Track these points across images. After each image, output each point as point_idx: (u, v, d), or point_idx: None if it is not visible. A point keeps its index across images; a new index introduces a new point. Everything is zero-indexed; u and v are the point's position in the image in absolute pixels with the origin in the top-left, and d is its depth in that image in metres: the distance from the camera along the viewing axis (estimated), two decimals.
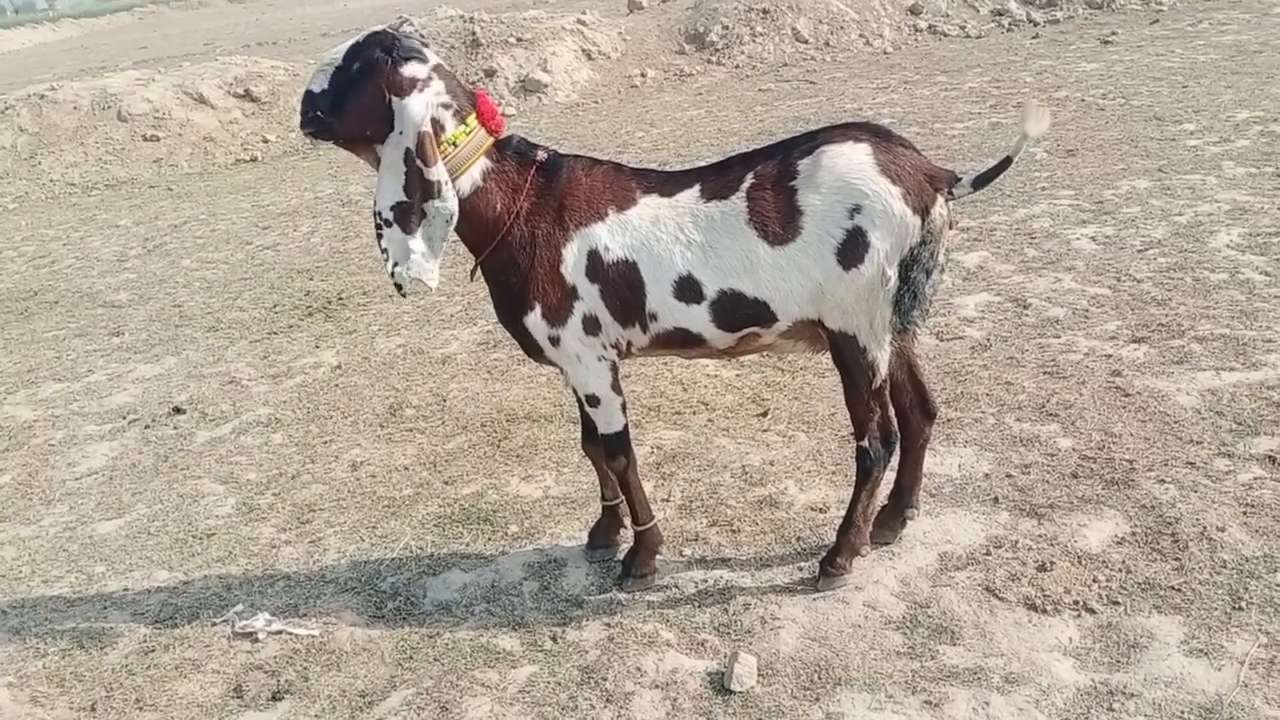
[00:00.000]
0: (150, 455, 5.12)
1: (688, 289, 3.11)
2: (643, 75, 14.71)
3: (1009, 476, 3.88)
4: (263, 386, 5.81)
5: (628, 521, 3.66)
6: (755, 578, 3.51)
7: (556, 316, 3.20)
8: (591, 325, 3.21)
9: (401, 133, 3.03)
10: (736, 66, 14.67)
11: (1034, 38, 13.82)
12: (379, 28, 3.12)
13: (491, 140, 3.21)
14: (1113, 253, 5.92)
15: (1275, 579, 3.14)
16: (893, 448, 3.33)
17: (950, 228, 3.11)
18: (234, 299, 7.48)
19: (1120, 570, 3.28)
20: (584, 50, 15.16)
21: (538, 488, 4.31)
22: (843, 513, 3.45)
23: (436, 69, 3.09)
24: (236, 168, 13.02)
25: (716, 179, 3.16)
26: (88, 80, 15.56)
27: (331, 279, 7.62)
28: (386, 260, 3.16)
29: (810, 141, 3.09)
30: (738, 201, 3.08)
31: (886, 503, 3.59)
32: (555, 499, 4.20)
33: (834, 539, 3.43)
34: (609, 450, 3.46)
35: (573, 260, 3.17)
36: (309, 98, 3.10)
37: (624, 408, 3.39)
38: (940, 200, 3.03)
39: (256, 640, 3.53)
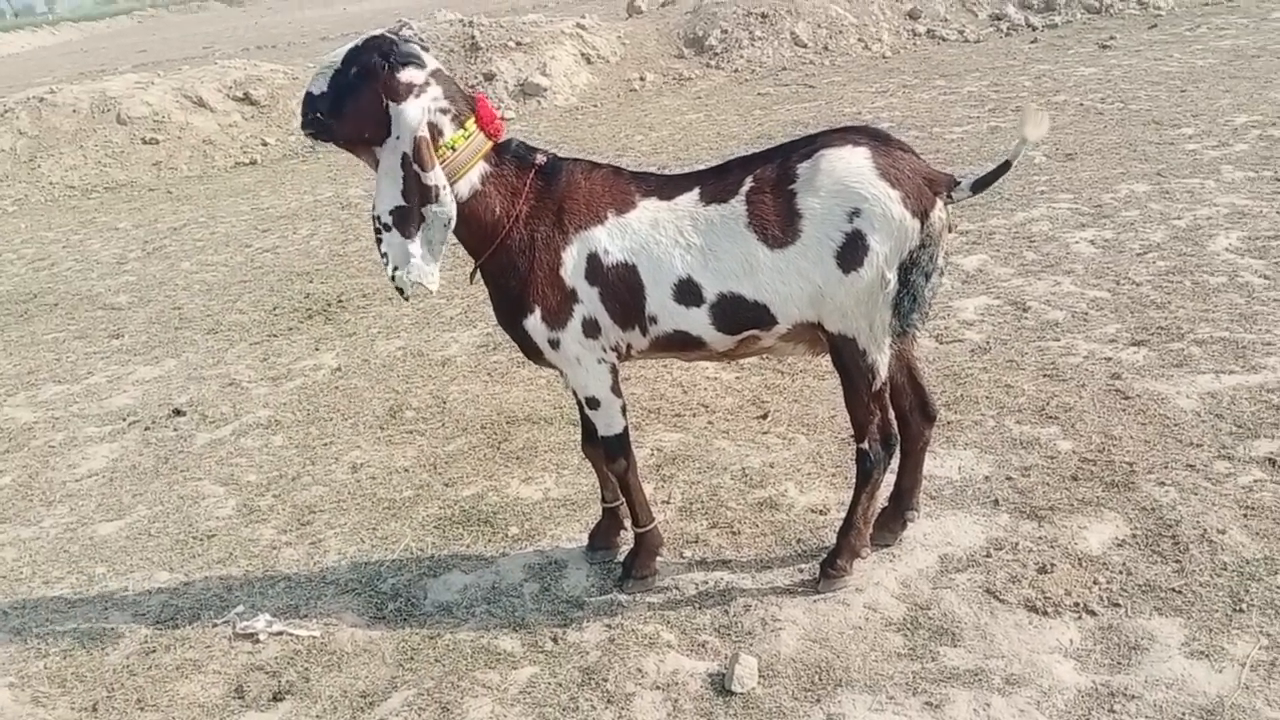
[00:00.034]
0: (150, 457, 5.13)
1: (687, 292, 3.12)
2: (642, 79, 14.73)
3: (1009, 479, 3.89)
4: (263, 389, 5.81)
5: (628, 523, 3.66)
6: (756, 579, 3.51)
7: (556, 319, 3.21)
8: (591, 328, 3.21)
9: (398, 138, 3.04)
10: (735, 70, 14.69)
11: (1032, 42, 13.85)
12: (377, 32, 3.13)
13: (490, 144, 3.21)
14: (1112, 256, 5.93)
15: (1276, 581, 3.14)
16: (893, 450, 3.33)
17: (949, 231, 3.12)
18: (234, 301, 7.48)
19: (1121, 572, 3.28)
20: (583, 54, 15.19)
21: (538, 489, 4.31)
22: (843, 515, 3.46)
23: (434, 74, 3.10)
24: (236, 171, 13.04)
25: (716, 182, 3.17)
26: (87, 83, 15.58)
27: (331, 282, 7.62)
28: (386, 265, 3.17)
29: (809, 145, 3.10)
30: (737, 205, 3.09)
31: (887, 505, 3.60)
32: (555, 501, 4.20)
33: (834, 541, 3.44)
34: (609, 452, 3.46)
35: (572, 263, 3.18)
36: (309, 99, 3.11)
37: (624, 410, 3.40)
38: (939, 204, 3.03)
39: (257, 641, 3.53)
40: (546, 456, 4.57)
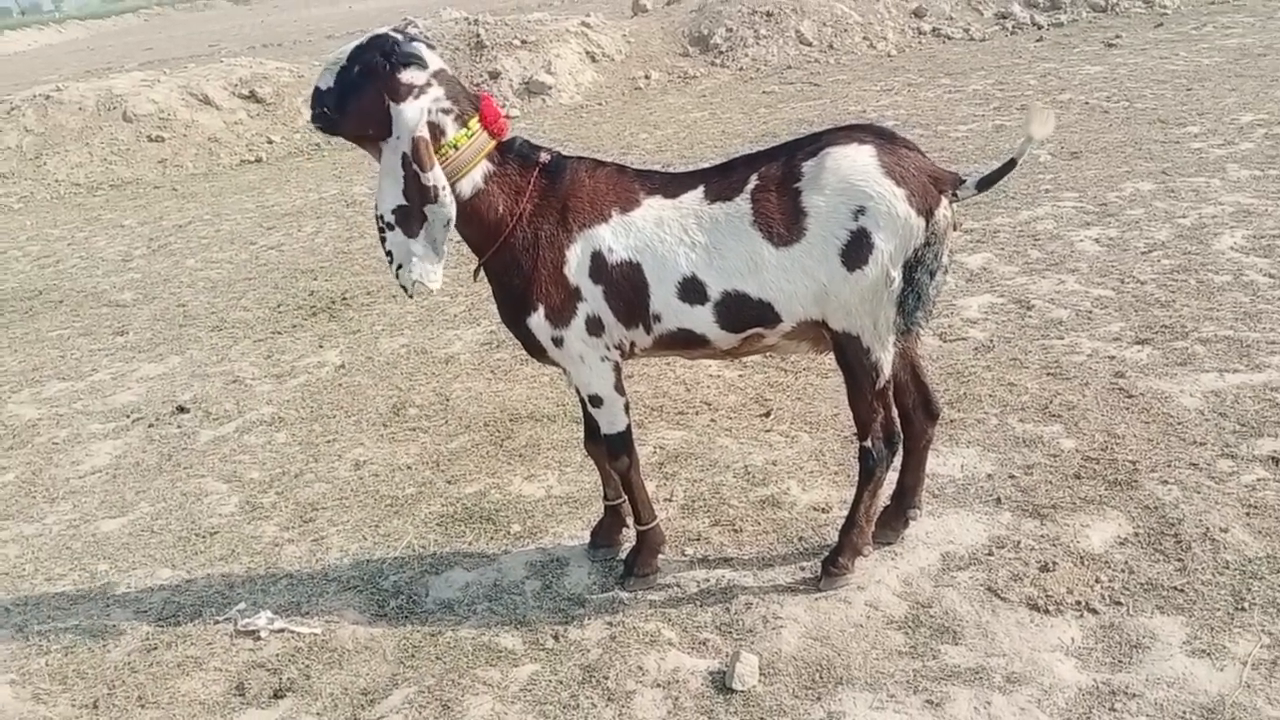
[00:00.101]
0: (154, 454, 5.13)
1: (692, 290, 3.12)
2: (646, 77, 14.72)
3: (1012, 477, 3.88)
4: (266, 386, 5.82)
5: (630, 521, 3.66)
6: (757, 577, 3.51)
7: (560, 317, 3.20)
8: (595, 326, 3.21)
9: (399, 138, 3.04)
10: (740, 69, 14.69)
11: (1038, 41, 13.82)
12: (382, 30, 3.13)
13: (494, 143, 3.21)
14: (1116, 255, 5.92)
15: (1278, 580, 3.13)
16: (895, 448, 3.33)
17: (954, 229, 3.11)
18: (238, 299, 7.49)
19: (1123, 571, 3.28)
20: (588, 52, 15.19)
21: (540, 487, 4.31)
22: (845, 513, 3.45)
23: (437, 74, 3.10)
24: (241, 168, 13.05)
25: (720, 180, 3.16)
26: (93, 81, 15.61)
27: (335, 279, 7.63)
28: (391, 263, 3.18)
29: (814, 143, 3.09)
30: (742, 203, 3.08)
31: (889, 503, 3.59)
32: (558, 498, 4.20)
33: (836, 539, 3.44)
34: (612, 450, 3.46)
35: (576, 261, 3.18)
36: (317, 94, 3.13)
37: (627, 408, 3.40)
38: (944, 202, 3.03)
39: (259, 638, 3.53)
40: (549, 454, 4.57)
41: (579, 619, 3.42)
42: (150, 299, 7.79)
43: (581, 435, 3.73)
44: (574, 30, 15.33)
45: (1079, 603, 3.16)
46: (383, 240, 3.17)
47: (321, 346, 6.30)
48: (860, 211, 2.96)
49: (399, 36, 3.08)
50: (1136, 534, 3.45)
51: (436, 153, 3.08)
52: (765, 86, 13.35)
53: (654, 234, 3.14)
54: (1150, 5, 14.78)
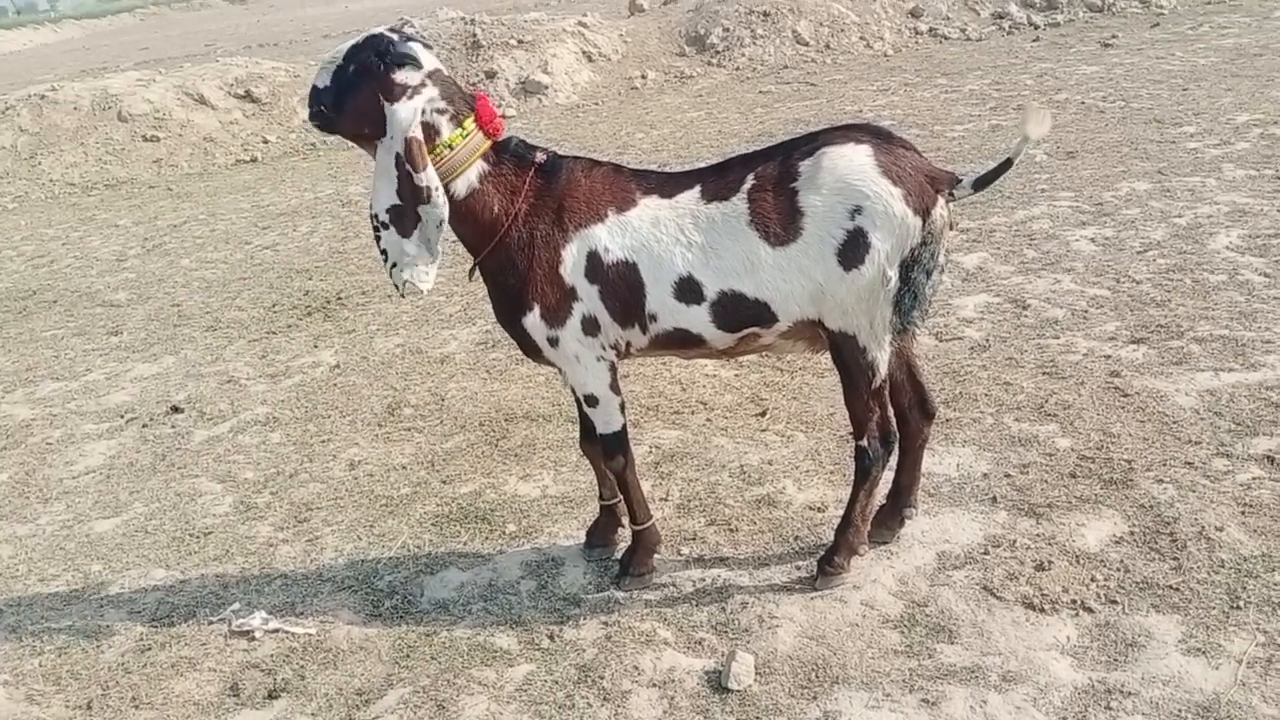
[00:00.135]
0: (148, 454, 5.12)
1: (688, 290, 3.11)
2: (643, 77, 14.72)
3: (1007, 476, 3.88)
4: (261, 386, 5.81)
5: (626, 521, 3.65)
6: (753, 577, 3.50)
7: (555, 317, 3.20)
8: (590, 326, 3.21)
9: (392, 137, 3.04)
10: (737, 69, 14.69)
11: (1034, 41, 13.83)
12: (378, 30, 3.13)
13: (489, 143, 3.20)
14: (1112, 254, 5.92)
15: (1273, 578, 3.13)
16: (891, 447, 3.33)
17: (950, 229, 3.11)
18: (233, 298, 7.48)
19: (1118, 569, 3.27)
20: (584, 52, 15.18)
21: (535, 487, 4.30)
22: (841, 512, 3.45)
23: (432, 74, 3.09)
24: (236, 168, 13.03)
25: (717, 180, 3.16)
26: (88, 81, 15.58)
27: (330, 279, 7.62)
28: (386, 261, 3.18)
29: (811, 143, 3.09)
30: (738, 203, 3.08)
31: (885, 502, 3.59)
32: (553, 498, 4.19)
33: (832, 538, 3.43)
34: (607, 450, 3.45)
35: (572, 261, 3.17)
36: (314, 92, 3.14)
37: (622, 407, 3.39)
38: (941, 201, 3.03)
39: (253, 638, 3.52)
40: (545, 454, 4.56)
41: (574, 619, 3.41)
42: (145, 299, 7.78)
43: (577, 435, 3.73)
44: (570, 30, 15.32)
45: (1074, 601, 3.16)
46: (377, 239, 3.17)
47: (316, 346, 6.29)
48: (857, 211, 2.96)
49: (394, 36, 3.08)
50: (1132, 533, 3.45)
51: (431, 153, 3.08)
52: (762, 86, 13.35)
53: (650, 234, 3.13)
54: (1147, 5, 14.80)
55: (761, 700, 2.94)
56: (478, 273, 3.34)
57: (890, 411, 3.32)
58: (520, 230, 3.19)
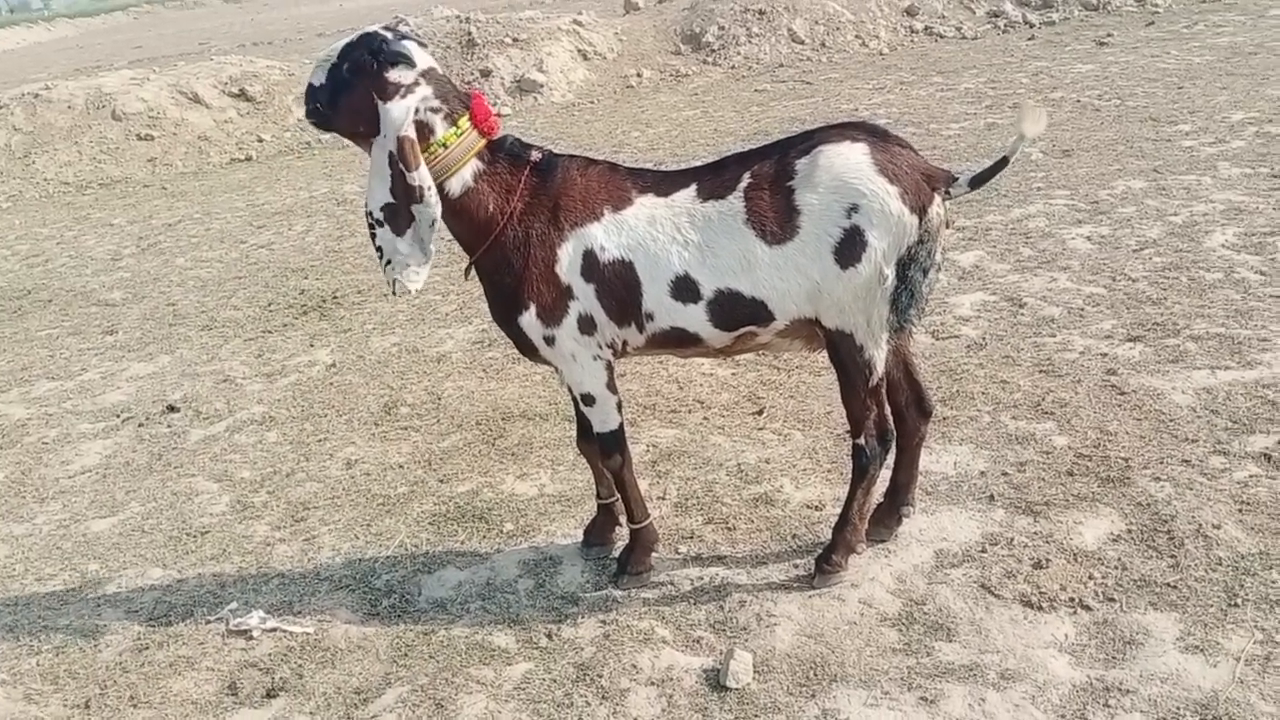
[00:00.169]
0: (144, 453, 5.11)
1: (685, 288, 3.11)
2: (639, 76, 14.71)
3: (1004, 474, 3.88)
4: (257, 385, 5.80)
5: (623, 519, 3.65)
6: (751, 575, 3.50)
7: (551, 316, 3.20)
8: (587, 325, 3.20)
9: (386, 136, 3.04)
10: (733, 67, 14.68)
11: (1030, 39, 13.84)
12: (372, 28, 3.13)
13: (484, 142, 3.20)
14: (1108, 252, 5.93)
15: (1270, 576, 3.14)
16: (889, 446, 3.33)
17: (947, 227, 3.11)
18: (228, 297, 7.46)
19: (1116, 567, 3.28)
20: (580, 50, 15.16)
21: (533, 486, 4.30)
22: (838, 510, 3.45)
23: (426, 73, 3.09)
24: (231, 167, 13.01)
25: (713, 179, 3.16)
26: (82, 79, 15.53)
27: (326, 278, 7.61)
28: (381, 258, 3.18)
29: (807, 141, 3.09)
30: (735, 201, 3.08)
31: (882, 500, 3.59)
32: (550, 497, 4.19)
33: (830, 536, 3.44)
34: (604, 449, 3.45)
35: (568, 260, 3.17)
36: (310, 90, 3.15)
37: (619, 406, 3.39)
38: (937, 199, 3.03)
39: (251, 638, 3.52)
40: (542, 453, 4.56)
41: (572, 617, 3.41)
42: (140, 298, 7.76)
43: (574, 434, 3.73)
44: (566, 28, 15.30)
45: (1072, 599, 3.16)
46: (373, 236, 3.17)
47: (312, 345, 6.28)
48: (853, 209, 2.96)
49: (388, 35, 3.08)
50: (1129, 531, 3.46)
51: (425, 151, 3.08)
52: (757, 85, 13.35)
53: (646, 232, 3.13)
54: (1142, 3, 14.81)
55: (760, 698, 2.95)
56: (474, 271, 3.34)
57: (887, 410, 3.32)
58: (516, 229, 3.19)
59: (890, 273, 3.00)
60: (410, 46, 3.08)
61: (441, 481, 4.42)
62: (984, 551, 3.46)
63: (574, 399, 3.43)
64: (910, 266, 3.02)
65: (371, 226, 3.16)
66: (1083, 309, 5.22)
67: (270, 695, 3.23)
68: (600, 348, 3.25)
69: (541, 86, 14.29)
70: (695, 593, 3.45)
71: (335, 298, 7.08)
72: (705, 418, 4.69)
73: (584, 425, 3.53)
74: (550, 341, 3.23)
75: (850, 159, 2.98)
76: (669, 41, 15.57)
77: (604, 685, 3.08)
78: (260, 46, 25.90)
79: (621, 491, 3.55)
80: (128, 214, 10.88)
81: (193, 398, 5.70)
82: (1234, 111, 8.58)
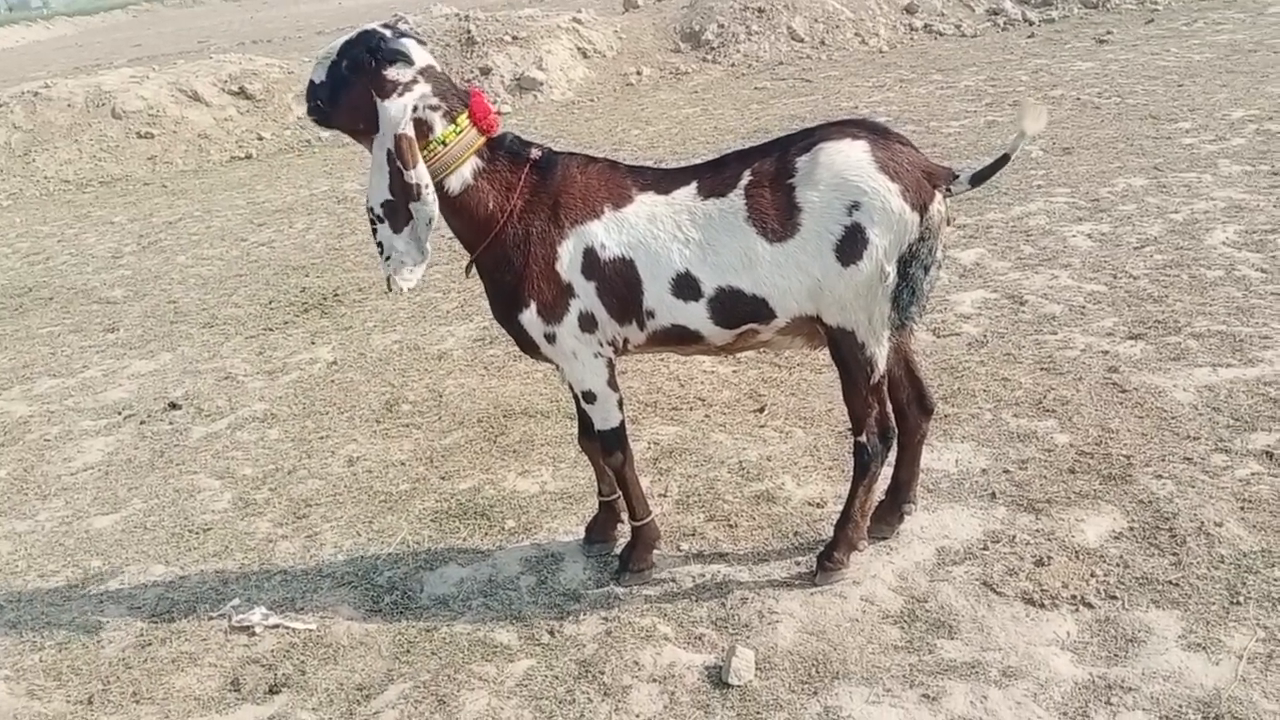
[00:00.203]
0: (146, 450, 5.11)
1: (686, 286, 3.11)
2: (638, 73, 14.71)
3: (1006, 472, 3.89)
4: (258, 382, 5.80)
5: (625, 517, 3.65)
6: (753, 572, 3.51)
7: (552, 314, 3.20)
8: (587, 322, 3.21)
9: (384, 133, 3.04)
10: (732, 65, 14.68)
11: (1029, 37, 13.84)
12: (371, 26, 3.13)
13: (483, 139, 3.20)
14: (1109, 250, 5.93)
15: (1273, 574, 3.14)
16: (890, 443, 3.33)
17: (948, 224, 3.11)
18: (229, 295, 7.46)
19: (1118, 565, 3.28)
20: (579, 48, 15.16)
21: (534, 483, 4.30)
22: (840, 508, 3.46)
23: (424, 71, 3.09)
24: (231, 165, 13.00)
25: (713, 176, 3.16)
26: (82, 78, 15.51)
27: (327, 275, 7.61)
28: (382, 255, 3.18)
29: (808, 139, 3.09)
30: (736, 199, 3.08)
31: (884, 498, 3.59)
32: (552, 494, 4.20)
33: (831, 534, 3.44)
34: (606, 446, 3.45)
35: (568, 258, 3.17)
36: (311, 87, 3.16)
37: (620, 404, 3.39)
38: (938, 197, 3.03)
39: (253, 634, 3.52)
40: (543, 450, 4.56)
41: (574, 614, 3.42)
42: (141, 296, 7.76)
43: (575, 431, 3.73)
44: (565, 26, 15.29)
45: (1074, 597, 3.17)
46: (374, 232, 3.18)
47: (314, 343, 6.28)
48: (854, 207, 2.96)
49: (387, 33, 3.08)
50: (1131, 528, 3.46)
51: (424, 149, 3.08)
52: (757, 82, 13.34)
53: (647, 230, 3.13)
54: (1142, 1, 14.81)
55: (762, 695, 2.95)
56: (474, 269, 3.34)
57: (889, 407, 3.32)
58: (516, 226, 3.19)
59: (891, 270, 3.00)
60: (408, 44, 3.08)
61: (443, 479, 4.42)
62: (986, 549, 3.46)
63: (575, 396, 3.43)
64: (911, 264, 3.02)
65: (373, 223, 3.16)
66: (1084, 306, 5.23)
67: (273, 691, 3.24)
68: (601, 345, 3.26)
69: (541, 84, 14.29)
70: (697, 590, 3.46)
71: (336, 295, 7.08)
72: (707, 415, 4.70)
73: (585, 422, 3.53)
74: (551, 339, 3.23)
75: (851, 156, 2.98)
76: (668, 39, 15.57)
77: (606, 682, 3.08)
78: (260, 44, 25.90)
79: (623, 489, 3.55)
80: (128, 212, 10.88)
81: (194, 395, 5.70)
82: (1234, 109, 8.58)
